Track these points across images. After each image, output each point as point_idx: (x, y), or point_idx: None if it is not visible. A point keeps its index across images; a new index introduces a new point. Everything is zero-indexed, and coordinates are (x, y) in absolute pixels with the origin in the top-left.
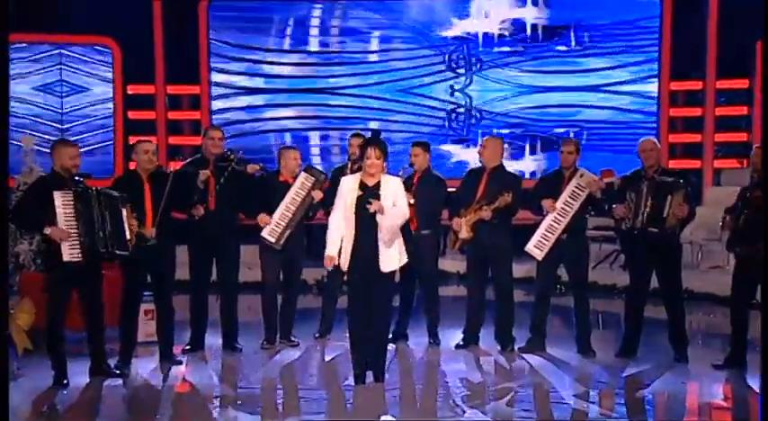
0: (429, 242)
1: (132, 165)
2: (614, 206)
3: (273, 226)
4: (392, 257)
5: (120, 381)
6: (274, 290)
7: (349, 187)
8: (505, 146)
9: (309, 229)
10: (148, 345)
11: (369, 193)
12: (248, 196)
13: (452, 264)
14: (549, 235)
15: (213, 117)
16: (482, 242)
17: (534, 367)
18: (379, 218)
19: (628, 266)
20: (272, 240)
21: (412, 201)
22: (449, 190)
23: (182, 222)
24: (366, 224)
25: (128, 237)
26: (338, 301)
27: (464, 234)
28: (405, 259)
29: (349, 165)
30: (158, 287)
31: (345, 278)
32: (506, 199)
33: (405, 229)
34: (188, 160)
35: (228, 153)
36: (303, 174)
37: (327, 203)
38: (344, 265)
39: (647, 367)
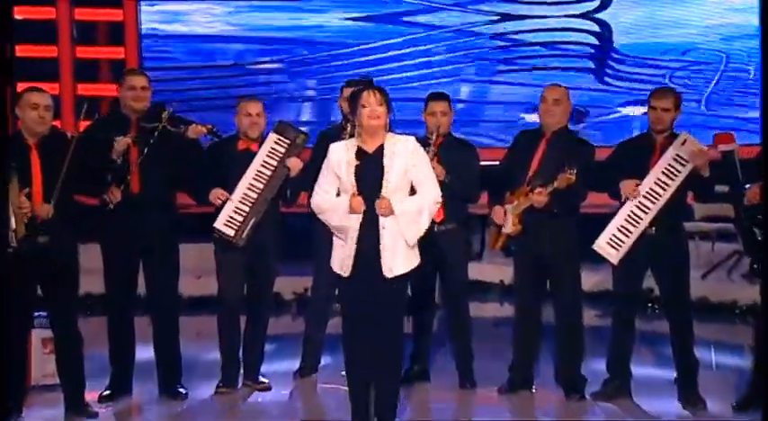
0: (456, 239)
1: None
2: (746, 186)
3: (232, 212)
4: (400, 256)
5: None
6: (236, 308)
7: (339, 157)
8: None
9: (286, 219)
10: (48, 391)
11: (368, 163)
12: (190, 170)
13: (493, 270)
14: (630, 227)
15: (145, 56)
16: (536, 239)
17: None
18: (389, 218)
19: (756, 276)
20: (230, 234)
21: (442, 177)
22: (484, 163)
23: (91, 210)
24: (373, 210)
25: (12, 226)
26: (328, 324)
27: (509, 228)
28: (417, 260)
29: (343, 125)
30: (56, 303)
31: (339, 290)
32: (569, 177)
33: None
34: (96, 119)
35: (159, 109)
36: (272, 136)
37: (310, 177)
38: (342, 269)
39: None
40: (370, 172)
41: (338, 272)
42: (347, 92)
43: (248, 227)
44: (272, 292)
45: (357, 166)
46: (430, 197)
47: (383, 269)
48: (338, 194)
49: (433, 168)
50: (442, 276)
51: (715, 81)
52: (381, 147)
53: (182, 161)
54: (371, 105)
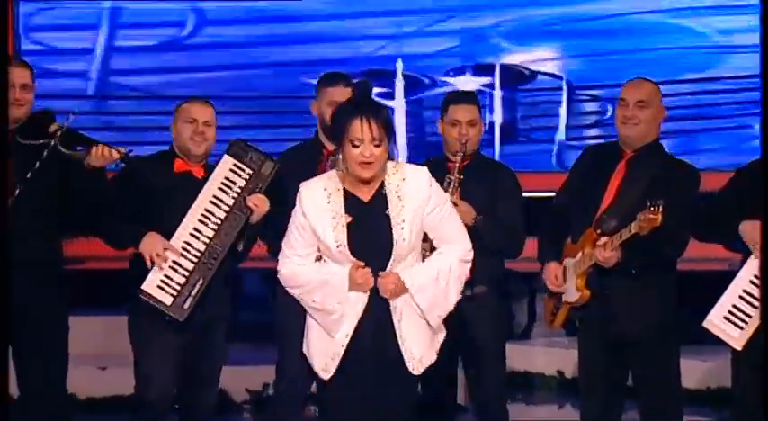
0: (488, 310)
1: None
2: None
3: (169, 270)
4: (425, 342)
5: None
6: (161, 414)
7: (320, 206)
8: None
9: (240, 278)
10: None
11: (364, 218)
12: (96, 204)
13: (548, 357)
14: (759, 295)
15: (24, 43)
16: (612, 311)
17: None
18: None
19: None
20: (166, 302)
21: (469, 220)
22: (530, 195)
23: None
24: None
25: None
26: None
27: (572, 295)
28: (441, 336)
29: (320, 141)
30: None
31: (325, 387)
32: (652, 217)
33: None
34: None
35: (46, 119)
36: (227, 160)
37: (277, 225)
38: (324, 370)
39: None
40: (369, 232)
41: (318, 372)
42: (330, 91)
43: (193, 292)
44: (217, 389)
45: (350, 225)
46: (455, 254)
47: (408, 363)
48: (318, 258)
49: (455, 205)
50: (468, 364)
51: None
52: (381, 192)
53: (77, 196)
54: (364, 143)
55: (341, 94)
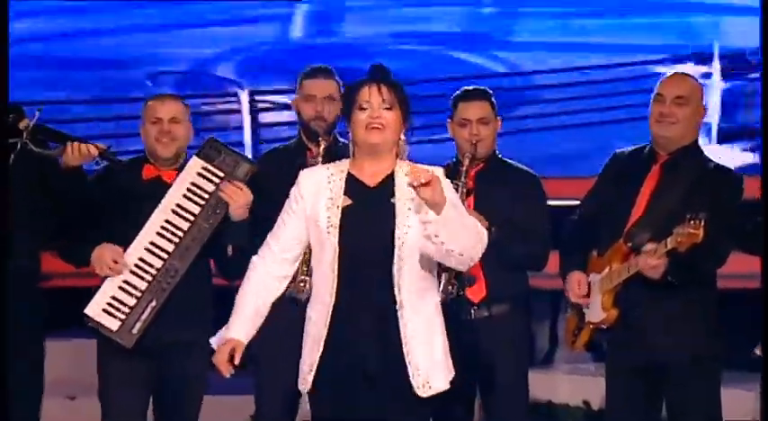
0: (508, 331)
1: None
2: None
3: (117, 291)
4: (438, 359)
5: None
6: None
7: (319, 187)
8: None
9: (220, 295)
10: None
11: (366, 204)
12: (62, 209)
13: (572, 385)
14: None
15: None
16: (643, 333)
17: None
18: (416, 234)
19: None
20: (112, 327)
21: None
22: (553, 203)
23: None
24: (365, 274)
25: None
26: None
27: (598, 314)
28: (452, 371)
29: (303, 142)
30: None
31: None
32: (692, 231)
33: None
34: None
35: (13, 114)
36: (195, 162)
37: (259, 229)
38: (306, 381)
39: None
40: (368, 218)
41: (300, 383)
42: (304, 85)
43: (143, 317)
44: (197, 413)
45: (347, 209)
46: (473, 225)
47: (415, 382)
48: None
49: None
50: (485, 392)
51: None
52: (390, 179)
53: (58, 199)
54: (373, 108)
55: (319, 87)
